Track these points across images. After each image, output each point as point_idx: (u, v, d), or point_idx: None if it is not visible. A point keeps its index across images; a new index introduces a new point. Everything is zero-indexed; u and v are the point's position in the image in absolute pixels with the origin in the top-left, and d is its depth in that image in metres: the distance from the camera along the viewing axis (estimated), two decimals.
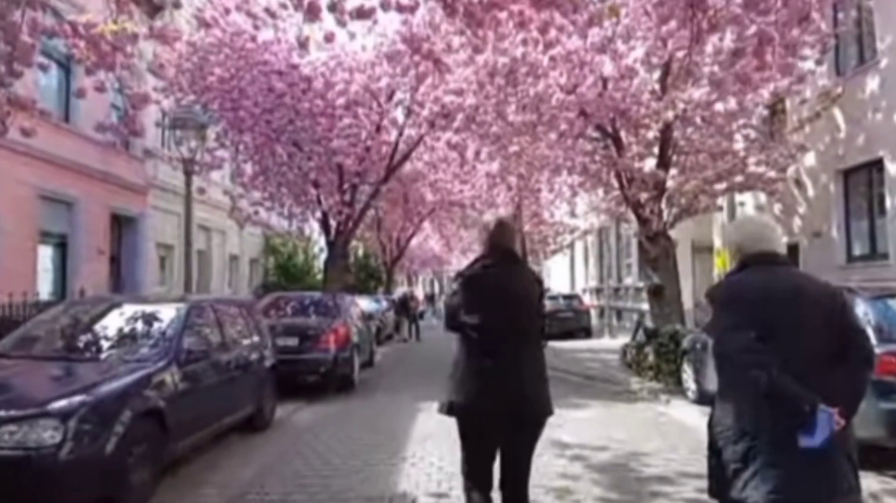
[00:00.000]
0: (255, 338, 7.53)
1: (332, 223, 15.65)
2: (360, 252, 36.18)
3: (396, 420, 7.91)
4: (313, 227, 25.68)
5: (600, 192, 14.39)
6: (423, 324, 25.65)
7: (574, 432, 6.95)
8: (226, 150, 13.74)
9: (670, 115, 9.93)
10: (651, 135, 12.00)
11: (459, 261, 54.37)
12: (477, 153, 11.48)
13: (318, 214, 15.89)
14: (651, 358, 10.91)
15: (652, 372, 10.81)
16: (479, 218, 4.60)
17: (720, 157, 11.51)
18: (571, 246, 27.83)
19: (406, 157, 15.62)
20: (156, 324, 5.69)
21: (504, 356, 3.23)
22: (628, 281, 22.04)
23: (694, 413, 8.24)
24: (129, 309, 6.05)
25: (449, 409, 3.32)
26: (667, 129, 11.00)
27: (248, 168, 14.65)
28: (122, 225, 18.17)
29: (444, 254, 43.49)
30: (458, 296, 3.37)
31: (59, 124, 13.37)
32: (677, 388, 9.69)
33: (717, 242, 15.23)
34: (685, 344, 9.31)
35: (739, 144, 11.91)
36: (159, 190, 19.83)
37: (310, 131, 12.85)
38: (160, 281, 20.55)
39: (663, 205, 11.61)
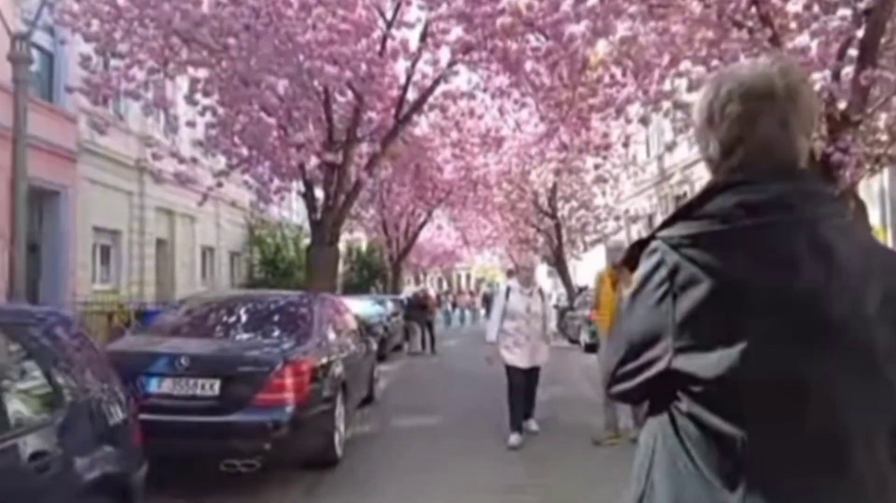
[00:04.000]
0: (55, 417, 2.89)
1: (320, 195, 11.00)
2: (363, 247, 31.95)
3: None
4: (302, 215, 21.08)
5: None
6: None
7: None
8: (144, 71, 8.95)
9: None
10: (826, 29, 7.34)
11: (474, 258, 49.32)
12: (547, 62, 6.67)
13: (301, 186, 11.22)
14: None
15: None
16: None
17: None
18: (605, 238, 23.72)
19: (423, 99, 10.90)
20: None
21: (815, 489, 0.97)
22: None
23: None
24: None
25: None
26: (883, 6, 6.30)
27: (185, 111, 9.81)
28: (42, 203, 13.82)
29: (456, 249, 39.08)
30: (641, 307, 1.10)
31: None
32: None
33: (874, 219, 10.50)
34: None
35: None
36: (99, 158, 15.32)
37: (273, 36, 8.06)
38: (102, 277, 16.06)
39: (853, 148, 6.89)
